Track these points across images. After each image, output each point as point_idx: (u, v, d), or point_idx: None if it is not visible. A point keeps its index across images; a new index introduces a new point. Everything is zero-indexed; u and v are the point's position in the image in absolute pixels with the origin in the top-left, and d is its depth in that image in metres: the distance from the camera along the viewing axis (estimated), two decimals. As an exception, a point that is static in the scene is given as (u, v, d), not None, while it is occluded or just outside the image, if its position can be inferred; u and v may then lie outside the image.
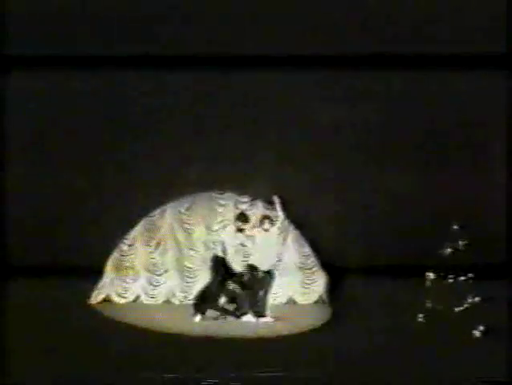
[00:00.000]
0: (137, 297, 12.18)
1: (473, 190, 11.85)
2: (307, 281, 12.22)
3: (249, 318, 11.39)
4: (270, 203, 11.70)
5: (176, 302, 12.16)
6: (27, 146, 11.91)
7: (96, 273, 11.87)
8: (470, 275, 11.40)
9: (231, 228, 11.53)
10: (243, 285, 11.40)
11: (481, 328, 10.85)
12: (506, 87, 11.59)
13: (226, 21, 11.73)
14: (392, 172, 11.98)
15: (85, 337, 10.49)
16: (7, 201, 11.62)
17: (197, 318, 11.35)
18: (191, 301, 11.64)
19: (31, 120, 11.88)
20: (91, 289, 11.88)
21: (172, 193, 12.02)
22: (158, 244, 12.20)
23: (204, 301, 11.40)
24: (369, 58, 11.50)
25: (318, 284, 12.16)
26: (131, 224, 12.10)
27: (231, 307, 11.50)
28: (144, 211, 12.11)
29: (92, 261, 11.69)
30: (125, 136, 11.97)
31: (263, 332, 10.89)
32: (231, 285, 11.32)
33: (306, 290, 12.23)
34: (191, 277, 12.19)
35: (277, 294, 12.03)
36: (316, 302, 12.15)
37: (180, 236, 12.20)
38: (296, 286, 12.25)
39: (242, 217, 11.50)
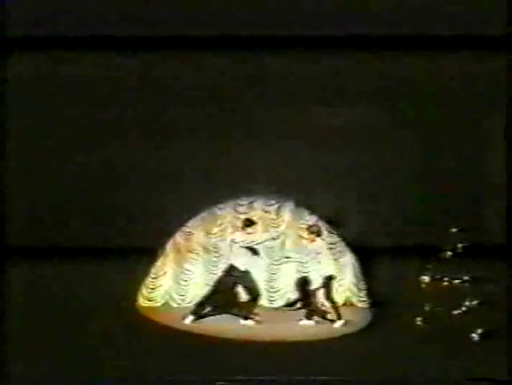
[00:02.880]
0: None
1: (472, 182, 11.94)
2: None
3: (249, 322, 11.51)
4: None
5: (174, 305, 12.12)
6: (29, 130, 11.81)
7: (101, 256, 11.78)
8: (466, 278, 11.46)
9: (240, 234, 11.66)
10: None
11: (480, 331, 10.94)
12: (506, 69, 11.59)
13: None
14: (390, 159, 12.07)
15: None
16: (10, 184, 11.58)
17: (188, 319, 11.42)
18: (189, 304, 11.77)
19: (35, 101, 11.79)
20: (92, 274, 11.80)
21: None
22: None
23: (204, 305, 11.56)
24: (369, 40, 11.45)
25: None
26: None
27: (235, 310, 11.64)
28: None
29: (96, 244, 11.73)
30: (126, 124, 11.97)
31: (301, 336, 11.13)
32: None
33: None
34: (187, 280, 12.15)
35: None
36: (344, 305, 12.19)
37: (180, 238, 12.17)
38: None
39: (248, 222, 11.65)
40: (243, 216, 11.85)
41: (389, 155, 12.05)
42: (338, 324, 11.51)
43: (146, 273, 12.07)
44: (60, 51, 11.53)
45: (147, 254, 11.95)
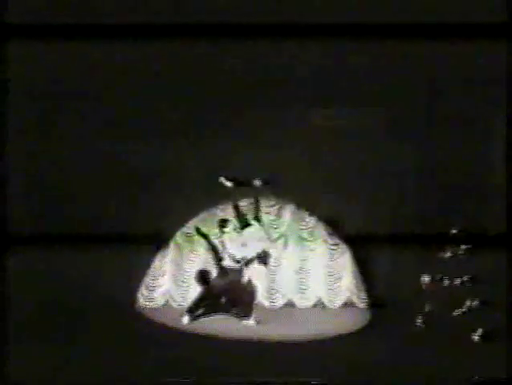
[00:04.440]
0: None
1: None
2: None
3: (250, 322, 11.55)
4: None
5: (175, 305, 12.14)
6: (29, 118, 11.75)
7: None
8: (466, 278, 11.48)
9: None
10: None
11: (480, 332, 10.97)
12: (506, 56, 11.39)
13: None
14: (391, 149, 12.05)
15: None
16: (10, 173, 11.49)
17: (185, 319, 11.47)
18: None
19: (34, 89, 11.71)
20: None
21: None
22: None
23: (199, 305, 11.60)
24: (368, 27, 11.36)
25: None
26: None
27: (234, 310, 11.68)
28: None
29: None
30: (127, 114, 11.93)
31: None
32: None
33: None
34: (187, 281, 12.17)
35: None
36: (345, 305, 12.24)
37: (180, 239, 12.19)
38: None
39: (223, 222, 11.78)
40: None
41: (388, 154, 12.05)
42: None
43: (146, 271, 12.10)
44: (61, 39, 11.40)
45: (147, 253, 12.04)
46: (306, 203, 12.14)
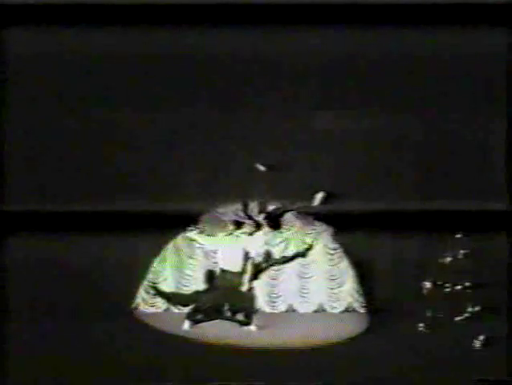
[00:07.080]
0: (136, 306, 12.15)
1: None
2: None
3: (250, 328, 11.54)
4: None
5: (176, 311, 12.12)
6: (29, 107, 11.62)
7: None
8: (468, 284, 11.46)
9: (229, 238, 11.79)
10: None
11: (482, 338, 10.95)
12: (506, 43, 11.41)
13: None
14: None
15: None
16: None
17: (186, 325, 11.46)
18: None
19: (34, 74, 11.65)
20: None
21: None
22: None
23: (198, 310, 11.61)
24: (367, 12, 11.31)
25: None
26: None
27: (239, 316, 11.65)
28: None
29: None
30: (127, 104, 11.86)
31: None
32: None
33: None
34: (188, 286, 12.17)
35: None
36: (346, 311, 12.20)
37: (181, 243, 12.19)
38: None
39: (235, 224, 11.74)
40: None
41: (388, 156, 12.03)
42: None
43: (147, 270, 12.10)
44: (58, 25, 11.38)
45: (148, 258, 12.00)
46: (307, 206, 12.11)
